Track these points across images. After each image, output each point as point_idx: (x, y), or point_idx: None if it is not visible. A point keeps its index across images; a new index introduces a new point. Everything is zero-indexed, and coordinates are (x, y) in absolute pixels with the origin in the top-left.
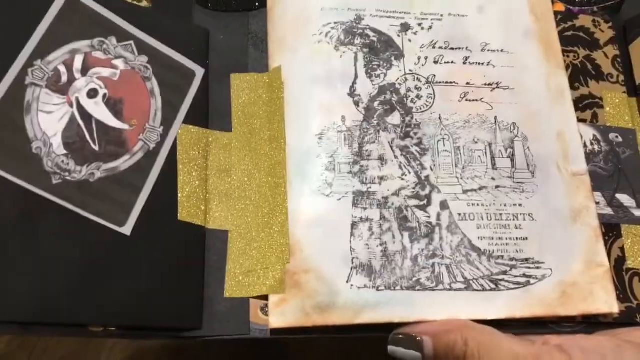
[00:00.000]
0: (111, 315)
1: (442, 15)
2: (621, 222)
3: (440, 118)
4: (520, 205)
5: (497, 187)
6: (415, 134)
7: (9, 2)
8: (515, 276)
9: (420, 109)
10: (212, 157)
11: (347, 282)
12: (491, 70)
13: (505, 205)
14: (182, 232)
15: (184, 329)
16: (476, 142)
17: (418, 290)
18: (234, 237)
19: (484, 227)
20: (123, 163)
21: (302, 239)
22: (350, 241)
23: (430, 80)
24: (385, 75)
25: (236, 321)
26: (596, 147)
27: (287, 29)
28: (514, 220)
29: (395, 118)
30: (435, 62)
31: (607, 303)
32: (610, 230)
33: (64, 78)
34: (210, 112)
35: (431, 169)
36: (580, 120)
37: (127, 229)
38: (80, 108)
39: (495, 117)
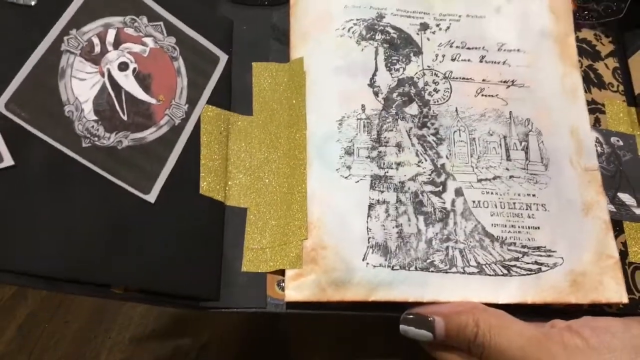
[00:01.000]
0: (132, 277)
1: (460, 16)
2: (623, 219)
3: (456, 110)
4: (533, 195)
5: (510, 177)
6: (432, 124)
7: None
8: (527, 263)
9: (438, 101)
10: (232, 137)
11: (363, 260)
12: (507, 69)
13: (518, 195)
14: (202, 205)
15: (201, 298)
16: (491, 135)
17: (432, 271)
18: (252, 214)
19: (498, 214)
20: (149, 134)
21: (320, 217)
22: (367, 221)
23: (447, 75)
24: (404, 69)
25: (253, 295)
26: (599, 148)
27: (310, 23)
28: (527, 209)
29: (413, 109)
30: (452, 60)
31: (617, 293)
32: (614, 226)
33: (97, 49)
34: (232, 99)
35: (447, 158)
36: None
37: (151, 197)
38: (111, 79)
39: (510, 112)
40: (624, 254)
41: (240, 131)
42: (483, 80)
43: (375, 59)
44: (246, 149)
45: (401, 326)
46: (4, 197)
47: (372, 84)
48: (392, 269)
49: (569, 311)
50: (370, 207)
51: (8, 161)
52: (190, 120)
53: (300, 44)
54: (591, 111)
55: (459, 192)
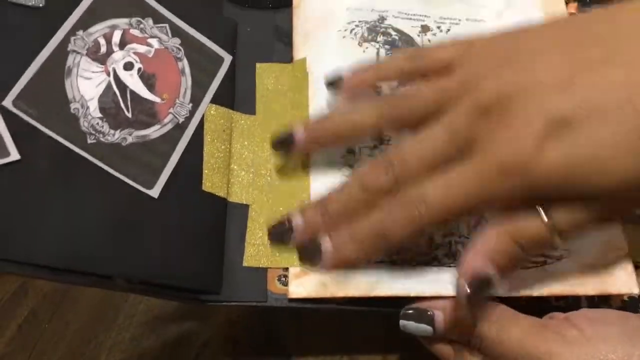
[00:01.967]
0: (135, 269)
1: (459, 20)
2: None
3: None
4: None
5: None
6: None
7: None
8: (532, 256)
9: None
10: (235, 135)
11: None
12: None
13: None
14: (205, 201)
15: (203, 291)
16: None
17: (435, 265)
18: (254, 210)
19: None
20: (153, 132)
21: None
22: None
23: None
24: None
25: (254, 289)
26: None
27: (313, 24)
28: None
29: None
30: None
31: (627, 283)
32: None
33: (103, 49)
34: (236, 98)
35: None
36: None
37: (155, 192)
38: (117, 78)
39: None
40: None
41: (243, 130)
42: None
43: (377, 59)
44: (249, 147)
45: (401, 321)
46: (11, 190)
47: None
48: (394, 264)
49: (569, 309)
50: None
51: (15, 155)
52: (194, 118)
53: (303, 44)
54: None
55: None
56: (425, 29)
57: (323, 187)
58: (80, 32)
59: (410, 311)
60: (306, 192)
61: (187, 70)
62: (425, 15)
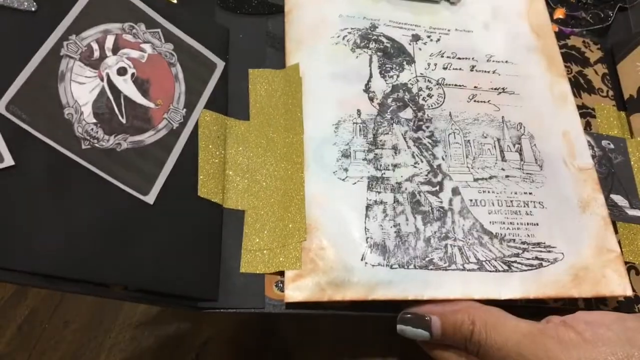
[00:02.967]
0: (131, 277)
1: (449, 30)
2: (616, 220)
3: (450, 115)
4: (530, 193)
5: (506, 176)
6: (427, 127)
7: None
8: (528, 259)
9: (432, 106)
10: (230, 141)
11: (362, 260)
12: (497, 77)
13: (515, 193)
14: (201, 207)
15: (200, 298)
16: (485, 137)
17: (431, 269)
18: (249, 216)
19: (495, 212)
20: (148, 137)
21: (318, 218)
22: (365, 222)
23: (440, 82)
24: (398, 76)
25: (251, 295)
26: (590, 151)
27: (305, 31)
28: (524, 207)
29: (407, 113)
30: (444, 68)
31: (620, 285)
32: None
33: (96, 54)
34: (229, 104)
35: (443, 159)
36: None
37: (150, 198)
38: (110, 83)
39: (503, 117)
40: None
41: (238, 135)
42: (475, 87)
43: (370, 66)
44: (243, 153)
45: (398, 326)
46: (5, 197)
47: (367, 90)
48: (391, 267)
49: (566, 310)
50: (368, 207)
51: (9, 161)
52: (188, 124)
53: (296, 50)
54: (582, 115)
55: (455, 191)
56: (415, 37)
57: (317, 192)
58: (73, 37)
59: (407, 316)
60: (301, 197)
61: (181, 75)
62: (415, 25)
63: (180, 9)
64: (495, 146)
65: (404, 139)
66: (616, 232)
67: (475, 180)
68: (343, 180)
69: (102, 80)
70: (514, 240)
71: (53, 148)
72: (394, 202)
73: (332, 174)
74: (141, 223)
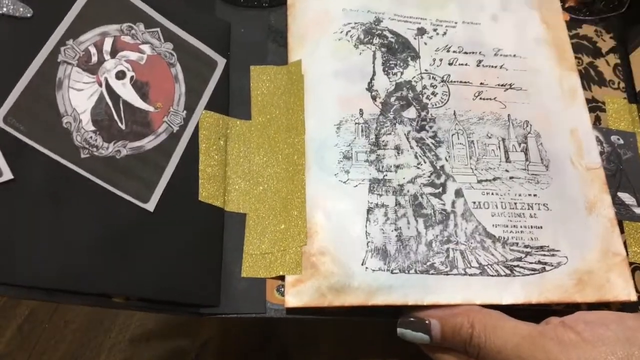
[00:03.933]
0: (133, 287)
1: (456, 23)
2: (623, 219)
3: (454, 114)
4: (535, 195)
5: (511, 177)
6: (431, 127)
7: None
8: (531, 263)
9: (436, 104)
10: (231, 143)
11: (362, 264)
12: (504, 73)
13: (519, 195)
14: (202, 212)
15: (202, 305)
16: (490, 137)
17: (432, 274)
18: (251, 219)
19: (499, 215)
20: (148, 143)
21: (319, 222)
22: (366, 226)
23: (445, 79)
24: (402, 73)
25: (253, 300)
26: (599, 147)
27: (308, 25)
28: (528, 209)
29: (411, 112)
30: (450, 64)
31: (625, 290)
32: None
33: (94, 58)
34: (230, 102)
35: (446, 160)
36: None
37: (150, 206)
38: (109, 88)
39: (509, 115)
40: None
41: (239, 136)
42: (481, 83)
43: (373, 62)
44: (245, 154)
45: (398, 329)
46: (4, 211)
47: (370, 88)
48: (392, 272)
49: (568, 312)
50: (369, 211)
51: (7, 175)
52: (189, 126)
53: (298, 46)
54: (591, 109)
55: (459, 193)
56: (421, 31)
57: (318, 195)
58: (70, 42)
59: (407, 319)
60: (302, 200)
61: (181, 76)
62: (421, 18)
63: (179, 6)
64: (499, 147)
65: (407, 139)
66: (622, 231)
67: (479, 181)
68: (344, 182)
69: (100, 85)
70: (517, 243)
71: (52, 159)
72: (396, 205)
73: (333, 177)
74: (142, 231)
